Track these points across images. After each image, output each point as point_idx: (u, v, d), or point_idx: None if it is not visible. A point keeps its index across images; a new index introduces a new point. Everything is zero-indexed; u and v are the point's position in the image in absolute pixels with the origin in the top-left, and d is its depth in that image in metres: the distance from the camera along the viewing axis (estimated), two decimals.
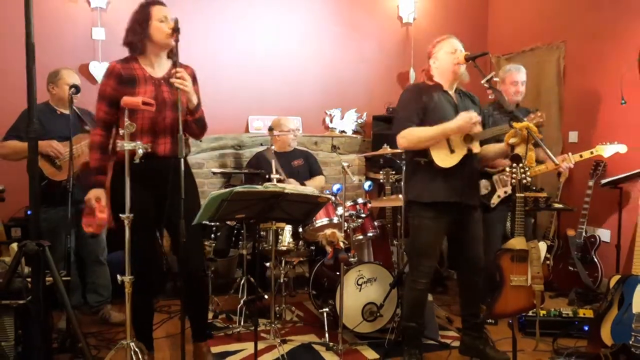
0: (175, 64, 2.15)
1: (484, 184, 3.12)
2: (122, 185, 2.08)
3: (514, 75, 3.20)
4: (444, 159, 2.35)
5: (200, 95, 2.37)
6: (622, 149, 2.97)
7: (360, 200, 3.19)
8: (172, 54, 2.27)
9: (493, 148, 2.51)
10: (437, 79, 2.46)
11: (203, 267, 2.52)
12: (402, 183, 2.83)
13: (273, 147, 3.20)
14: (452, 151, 2.36)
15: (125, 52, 3.68)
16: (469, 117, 2.30)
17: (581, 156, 3.03)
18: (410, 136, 2.35)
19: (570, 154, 3.01)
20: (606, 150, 2.98)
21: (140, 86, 2.20)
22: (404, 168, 2.76)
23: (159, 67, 2.27)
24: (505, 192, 3.13)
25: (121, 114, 2.10)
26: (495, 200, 3.13)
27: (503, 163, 3.12)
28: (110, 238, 3.18)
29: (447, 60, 2.41)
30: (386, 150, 3.17)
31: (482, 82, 2.32)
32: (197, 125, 2.31)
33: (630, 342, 2.33)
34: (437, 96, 2.41)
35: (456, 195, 2.38)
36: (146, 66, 2.26)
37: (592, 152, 3.01)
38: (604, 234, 3.56)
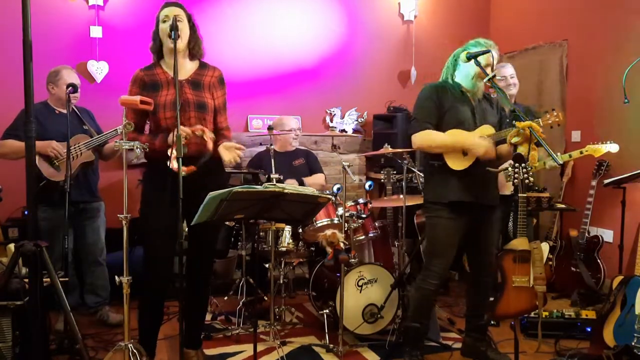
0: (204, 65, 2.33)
1: None
2: (149, 184, 2.18)
3: (500, 71, 3.22)
4: (457, 162, 2.36)
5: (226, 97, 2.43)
6: (613, 148, 2.93)
7: (360, 201, 3.17)
8: (194, 55, 2.32)
9: (504, 148, 2.47)
10: (458, 80, 2.44)
11: (210, 272, 2.52)
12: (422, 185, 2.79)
13: (273, 146, 3.17)
14: (464, 154, 2.35)
15: (118, 50, 3.69)
16: (484, 150, 2.27)
17: (570, 156, 3.03)
18: (425, 139, 2.36)
19: (559, 153, 2.99)
20: (597, 150, 2.94)
21: (163, 89, 2.24)
22: (422, 170, 2.74)
23: (181, 69, 2.27)
24: None
25: (130, 115, 2.20)
26: None
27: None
28: (109, 239, 3.16)
29: (473, 72, 2.36)
30: (387, 149, 3.15)
31: (484, 80, 2.30)
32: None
33: (633, 344, 2.32)
34: (455, 97, 2.39)
35: (472, 195, 2.37)
36: (168, 69, 2.28)
37: (581, 152, 2.99)
38: (607, 235, 3.54)
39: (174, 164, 2.05)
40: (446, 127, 2.36)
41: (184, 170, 1.97)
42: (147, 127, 2.36)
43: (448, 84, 2.44)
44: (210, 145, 2.16)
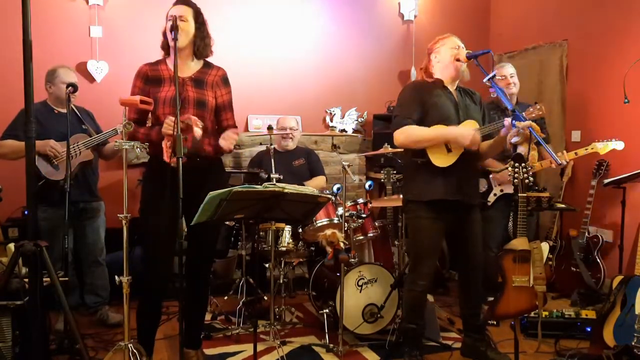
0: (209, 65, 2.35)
1: (481, 183, 3.13)
2: (149, 185, 2.15)
3: (500, 70, 3.25)
4: (441, 159, 2.34)
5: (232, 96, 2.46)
6: (619, 145, 2.97)
7: (360, 200, 3.17)
8: (200, 54, 2.32)
9: (486, 144, 2.46)
10: (438, 75, 2.44)
11: (209, 272, 2.52)
12: (402, 183, 2.81)
13: (274, 146, 3.18)
14: (449, 150, 2.35)
15: (118, 50, 3.68)
16: (470, 140, 2.25)
17: (576, 154, 3.06)
18: (407, 134, 2.34)
19: (564, 151, 3.01)
20: (602, 148, 2.98)
21: (164, 86, 2.26)
22: (403, 168, 2.74)
23: (185, 67, 2.29)
24: (501, 190, 3.15)
25: (131, 111, 2.22)
26: (491, 198, 3.16)
27: (494, 164, 3.12)
28: (109, 239, 3.16)
29: (449, 55, 2.39)
30: (387, 149, 3.15)
31: (484, 80, 2.30)
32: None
33: (633, 343, 2.32)
34: (437, 93, 2.39)
35: (456, 193, 2.36)
36: (172, 67, 2.26)
37: (586, 150, 3.02)
38: (607, 234, 3.54)
39: (167, 155, 2.09)
40: (430, 124, 2.34)
41: (174, 162, 1.97)
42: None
43: (428, 80, 2.44)
44: (197, 132, 2.12)
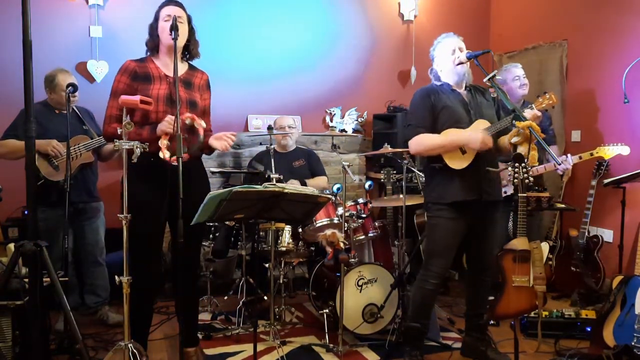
0: (192, 67, 2.35)
1: None
2: (134, 185, 2.14)
3: (514, 71, 3.24)
4: (457, 161, 2.36)
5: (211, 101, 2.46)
6: (624, 150, 2.95)
7: (360, 200, 3.17)
8: (192, 56, 2.35)
9: (503, 140, 2.44)
10: (445, 79, 2.47)
11: (197, 270, 2.52)
12: (422, 186, 2.79)
13: (274, 146, 3.18)
14: (463, 152, 2.35)
15: (118, 50, 3.68)
16: (480, 142, 2.26)
17: (580, 157, 3.03)
18: (420, 143, 2.38)
19: (569, 155, 3.00)
20: (608, 152, 2.97)
21: (155, 83, 2.25)
22: (423, 172, 2.75)
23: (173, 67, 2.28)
24: (505, 192, 3.12)
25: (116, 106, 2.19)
26: None
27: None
28: (109, 239, 3.16)
29: (448, 61, 2.42)
30: (387, 149, 3.15)
31: (485, 80, 2.30)
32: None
33: (633, 343, 2.32)
34: (447, 97, 2.41)
35: (475, 193, 2.37)
36: (162, 66, 2.31)
37: (592, 154, 3.00)
38: (607, 234, 3.54)
39: (165, 154, 2.09)
40: (442, 128, 2.37)
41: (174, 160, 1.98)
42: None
43: (437, 85, 2.47)
44: (201, 131, 2.17)
